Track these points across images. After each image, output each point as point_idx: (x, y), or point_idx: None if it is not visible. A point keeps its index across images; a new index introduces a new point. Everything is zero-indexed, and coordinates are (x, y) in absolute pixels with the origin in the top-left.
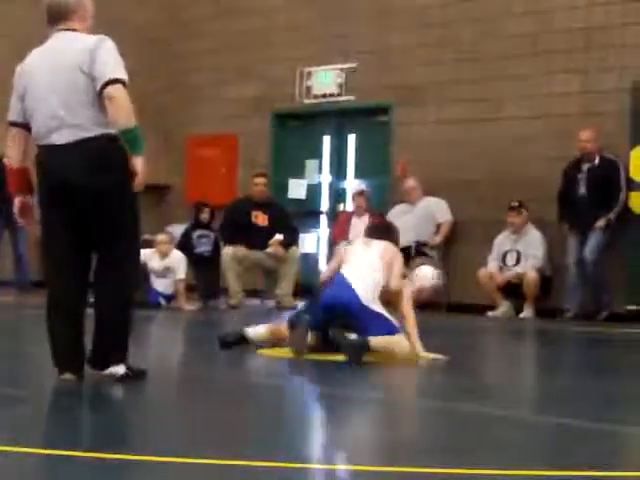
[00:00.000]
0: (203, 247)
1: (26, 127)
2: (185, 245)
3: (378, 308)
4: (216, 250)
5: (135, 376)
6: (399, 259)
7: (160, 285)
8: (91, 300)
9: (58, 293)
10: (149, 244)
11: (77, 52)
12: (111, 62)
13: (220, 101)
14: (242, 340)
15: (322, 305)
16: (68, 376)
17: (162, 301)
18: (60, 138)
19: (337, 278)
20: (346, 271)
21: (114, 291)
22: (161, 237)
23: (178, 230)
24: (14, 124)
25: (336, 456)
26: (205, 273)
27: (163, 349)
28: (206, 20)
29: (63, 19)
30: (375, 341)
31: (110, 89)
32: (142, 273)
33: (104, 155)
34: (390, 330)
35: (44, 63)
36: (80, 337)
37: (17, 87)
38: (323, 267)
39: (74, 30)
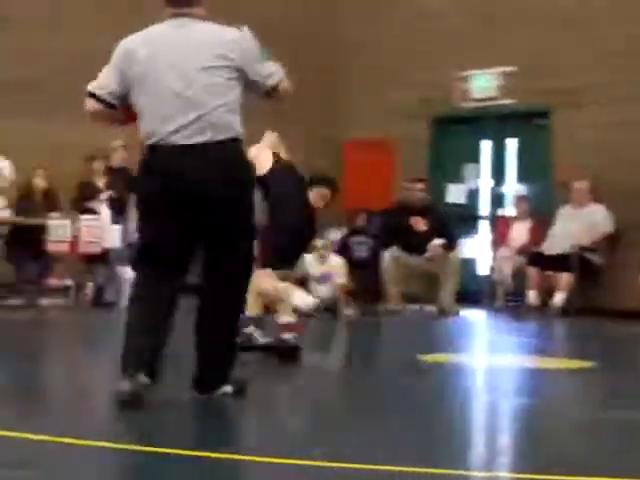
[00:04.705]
0: (360, 252)
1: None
2: (343, 250)
3: None
4: (373, 255)
5: (241, 386)
6: None
7: (319, 290)
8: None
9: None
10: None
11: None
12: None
13: (378, 105)
14: None
15: None
16: (142, 379)
17: (321, 306)
18: (186, 138)
19: None
20: None
21: (231, 304)
22: (320, 242)
23: (336, 235)
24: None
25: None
26: (363, 278)
27: (326, 354)
28: (363, 23)
29: (188, 4)
30: None
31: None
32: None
33: (233, 158)
34: None
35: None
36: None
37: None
38: (483, 272)
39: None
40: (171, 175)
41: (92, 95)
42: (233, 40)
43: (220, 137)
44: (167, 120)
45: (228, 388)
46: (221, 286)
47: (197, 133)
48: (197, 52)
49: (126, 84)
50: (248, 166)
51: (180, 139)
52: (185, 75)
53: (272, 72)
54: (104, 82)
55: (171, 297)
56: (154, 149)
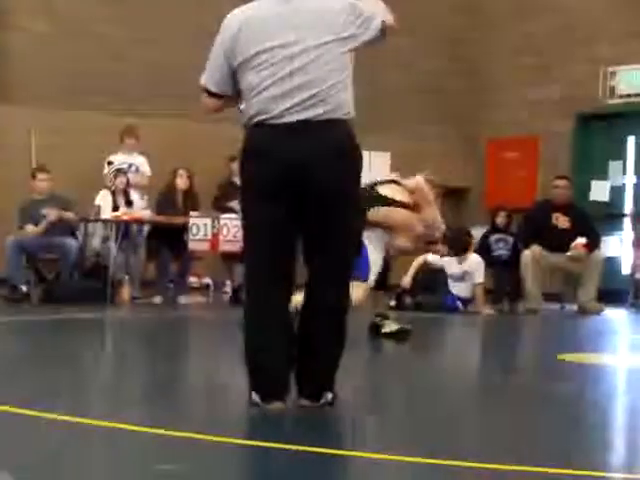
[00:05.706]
0: (501, 251)
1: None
2: (483, 249)
3: None
4: (514, 254)
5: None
6: None
7: (458, 289)
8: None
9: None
10: None
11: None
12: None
13: (521, 103)
14: None
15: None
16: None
17: (459, 305)
18: (299, 114)
19: None
20: None
21: (336, 304)
22: None
23: (477, 233)
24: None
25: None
26: (503, 277)
27: (459, 352)
28: (506, 19)
29: None
30: None
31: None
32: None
33: (346, 136)
34: None
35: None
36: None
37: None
38: (626, 271)
39: None
40: (281, 152)
41: (206, 90)
42: (345, 9)
43: (334, 115)
44: (281, 98)
45: (330, 396)
46: (325, 286)
47: (311, 109)
48: (312, 27)
49: (234, 67)
50: (357, 144)
51: (293, 116)
52: (300, 52)
53: (379, 22)
54: (215, 73)
55: (288, 293)
56: (262, 129)
